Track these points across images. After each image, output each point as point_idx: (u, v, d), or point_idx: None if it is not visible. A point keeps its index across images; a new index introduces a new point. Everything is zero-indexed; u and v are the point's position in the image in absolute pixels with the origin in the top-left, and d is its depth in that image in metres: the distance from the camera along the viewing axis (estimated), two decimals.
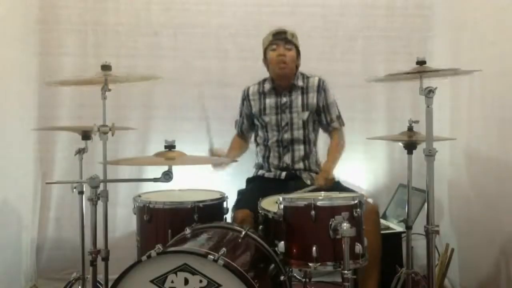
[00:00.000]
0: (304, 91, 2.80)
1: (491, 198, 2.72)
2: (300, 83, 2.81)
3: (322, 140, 2.94)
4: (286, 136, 2.79)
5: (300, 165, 2.80)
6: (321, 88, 2.81)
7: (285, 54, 2.73)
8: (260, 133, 2.88)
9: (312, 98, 2.80)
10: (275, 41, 2.75)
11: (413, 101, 3.31)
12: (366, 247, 2.01)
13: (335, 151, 2.81)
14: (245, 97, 2.90)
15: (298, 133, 2.80)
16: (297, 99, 2.79)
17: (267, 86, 2.84)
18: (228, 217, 2.49)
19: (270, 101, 2.81)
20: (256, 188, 2.73)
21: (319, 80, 2.82)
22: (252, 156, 2.99)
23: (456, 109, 3.15)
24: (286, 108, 2.79)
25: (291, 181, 2.74)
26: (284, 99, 2.79)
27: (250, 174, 2.94)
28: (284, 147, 2.80)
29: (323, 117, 2.84)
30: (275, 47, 2.75)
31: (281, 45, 2.74)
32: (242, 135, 3.02)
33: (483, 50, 2.78)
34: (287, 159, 2.80)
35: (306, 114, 2.79)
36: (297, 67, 2.82)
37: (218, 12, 3.46)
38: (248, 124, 2.95)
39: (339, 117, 2.86)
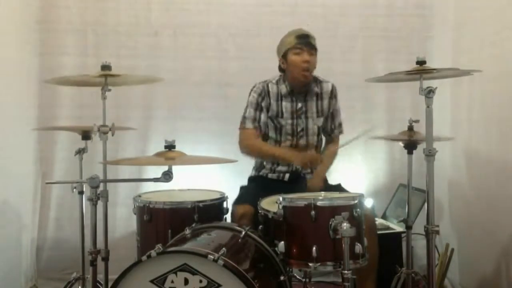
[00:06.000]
0: (319, 97, 2.76)
1: (491, 198, 2.72)
2: (315, 88, 2.76)
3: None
4: (302, 141, 2.74)
5: (308, 169, 2.77)
6: (334, 94, 2.80)
7: (310, 61, 2.63)
8: (272, 134, 2.76)
9: (326, 104, 2.78)
10: (299, 44, 2.62)
11: (413, 101, 3.32)
12: (366, 247, 2.00)
13: (331, 157, 2.76)
14: (266, 93, 2.72)
15: (313, 139, 2.77)
16: (312, 104, 2.75)
17: (284, 89, 2.73)
18: (228, 217, 2.49)
19: (286, 104, 2.73)
20: (259, 186, 2.70)
21: (333, 86, 2.80)
22: None
23: (456, 109, 3.15)
24: (301, 113, 2.74)
25: (295, 183, 2.68)
26: (300, 104, 2.74)
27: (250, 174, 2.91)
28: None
29: (328, 123, 2.82)
30: (299, 51, 2.63)
31: (306, 50, 2.62)
32: (260, 131, 2.74)
33: (483, 50, 2.78)
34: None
35: (320, 120, 2.78)
36: None
37: (218, 12, 3.46)
38: (265, 118, 2.72)
39: (341, 124, 2.86)
